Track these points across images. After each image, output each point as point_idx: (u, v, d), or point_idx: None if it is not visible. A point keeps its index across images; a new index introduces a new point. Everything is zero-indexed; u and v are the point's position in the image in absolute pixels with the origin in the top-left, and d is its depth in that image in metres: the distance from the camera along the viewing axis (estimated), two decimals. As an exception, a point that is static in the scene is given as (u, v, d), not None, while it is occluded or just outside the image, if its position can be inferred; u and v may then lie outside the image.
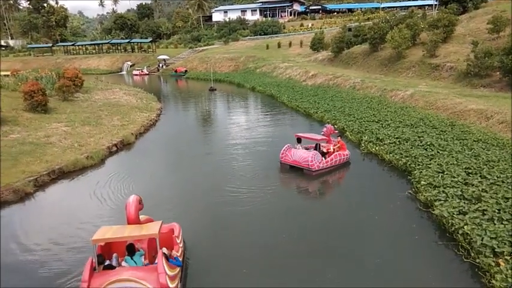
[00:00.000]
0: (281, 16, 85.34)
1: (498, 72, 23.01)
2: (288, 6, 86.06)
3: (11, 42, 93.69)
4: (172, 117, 26.78)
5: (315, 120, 22.03)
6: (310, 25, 73.29)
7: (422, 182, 11.17)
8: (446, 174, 11.44)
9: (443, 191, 10.33)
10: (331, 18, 78.47)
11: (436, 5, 43.95)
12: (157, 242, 6.87)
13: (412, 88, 23.84)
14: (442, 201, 9.80)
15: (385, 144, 15.23)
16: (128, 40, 77.23)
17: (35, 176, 12.60)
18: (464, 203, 9.53)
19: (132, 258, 7.01)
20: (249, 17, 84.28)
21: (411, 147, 14.30)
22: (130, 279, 6.32)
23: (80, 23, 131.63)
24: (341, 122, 19.27)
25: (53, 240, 9.17)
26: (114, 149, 16.79)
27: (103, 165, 14.98)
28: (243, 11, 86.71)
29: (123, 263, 6.96)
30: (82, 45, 79.26)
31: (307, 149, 14.37)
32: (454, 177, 11.14)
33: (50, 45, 79.48)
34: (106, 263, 6.83)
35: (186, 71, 55.02)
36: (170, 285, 6.46)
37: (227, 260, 8.31)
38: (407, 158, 13.35)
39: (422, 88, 23.86)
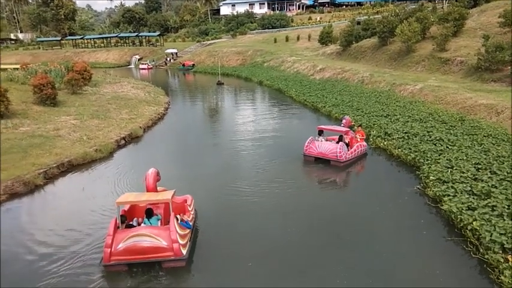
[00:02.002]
0: (289, 9, 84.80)
1: (509, 67, 22.66)
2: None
3: (21, 36, 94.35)
4: (180, 111, 26.83)
5: (323, 115, 21.96)
6: (318, 18, 72.76)
7: (431, 177, 11.10)
8: (456, 169, 11.36)
9: (452, 187, 10.27)
10: (339, 11, 77.78)
11: (446, -2, 43.37)
12: (170, 206, 8.05)
13: (422, 82, 23.61)
14: (451, 197, 9.75)
15: (393, 139, 15.13)
16: (136, 34, 77.36)
17: (44, 168, 12.72)
18: (474, 198, 9.47)
19: (149, 220, 8.20)
20: (257, 10, 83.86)
21: (420, 142, 14.20)
22: (147, 234, 7.59)
23: (89, 16, 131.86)
24: (349, 117, 19.11)
25: (72, 223, 9.50)
26: (123, 142, 16.88)
27: (112, 158, 15.08)
28: (251, 4, 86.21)
29: (142, 224, 8.19)
30: (90, 38, 79.51)
31: (327, 141, 14.48)
32: (463, 172, 11.06)
33: (59, 38, 79.85)
34: (128, 223, 8.18)
35: (193, 64, 55.00)
36: (180, 242, 7.67)
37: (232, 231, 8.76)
38: (416, 153, 13.27)
39: (432, 82, 23.61)
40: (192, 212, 9.24)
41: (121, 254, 7.48)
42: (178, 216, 8.20)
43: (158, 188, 8.85)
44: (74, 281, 7.38)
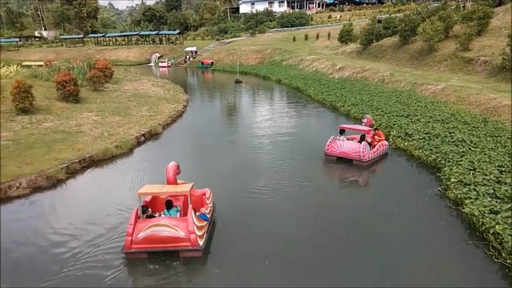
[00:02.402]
0: (309, 8, 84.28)
1: (536, 67, 22.01)
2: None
3: (45, 33, 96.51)
4: (198, 108, 27.04)
5: (342, 114, 21.78)
6: (338, 17, 72.15)
7: (452, 179, 10.89)
8: (478, 171, 11.11)
9: (474, 189, 10.04)
10: (360, 9, 76.91)
11: (470, -4, 42.36)
12: (189, 198, 8.51)
13: (444, 82, 23.15)
14: (473, 200, 9.54)
15: (414, 139, 14.89)
16: (156, 32, 78.15)
17: (67, 163, 13.01)
18: (496, 201, 9.25)
19: (168, 212, 8.65)
20: (276, 8, 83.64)
21: (441, 143, 13.94)
22: (166, 224, 7.97)
23: (110, 14, 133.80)
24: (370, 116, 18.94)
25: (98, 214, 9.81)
26: (142, 138, 17.12)
27: (131, 154, 15.31)
28: (270, 2, 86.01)
29: (162, 215, 8.60)
30: (112, 36, 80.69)
31: (348, 140, 14.42)
32: (486, 175, 10.81)
33: (82, 36, 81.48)
34: (148, 214, 8.61)
35: (212, 63, 55.26)
36: (197, 233, 8.01)
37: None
38: (437, 154, 13.02)
39: (455, 82, 23.12)
40: (210, 205, 9.54)
41: (141, 242, 7.89)
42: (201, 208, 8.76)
43: (178, 181, 9.24)
44: (96, 267, 7.72)
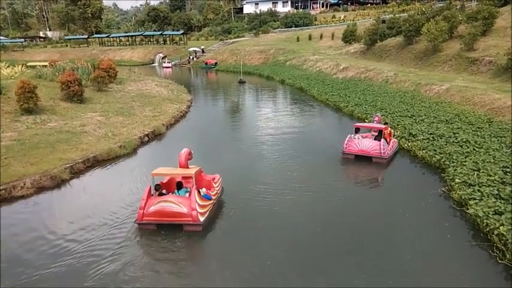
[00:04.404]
0: (313, 8, 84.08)
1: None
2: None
3: (49, 34, 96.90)
4: (202, 109, 27.05)
5: (345, 114, 21.74)
6: (342, 17, 71.92)
7: (456, 179, 10.85)
8: (482, 172, 11.06)
9: (478, 190, 10.01)
10: (364, 9, 76.60)
11: (475, -4, 42.12)
12: (193, 180, 9.67)
13: (448, 83, 23.05)
14: (477, 200, 9.51)
15: (418, 140, 14.84)
16: (160, 32, 78.26)
17: (71, 163, 13.06)
18: (501, 202, 9.20)
19: (178, 192, 9.84)
20: (280, 8, 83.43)
21: (446, 144, 13.88)
22: (172, 201, 9.22)
23: (115, 15, 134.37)
24: (372, 117, 18.88)
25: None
26: (146, 139, 17.17)
27: (135, 154, 15.37)
28: (274, 2, 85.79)
29: (173, 194, 9.78)
30: (116, 37, 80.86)
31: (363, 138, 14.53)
32: (490, 175, 10.76)
33: (86, 36, 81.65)
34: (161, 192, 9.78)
35: (216, 63, 55.28)
36: (199, 210, 9.13)
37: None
38: (441, 155, 12.98)
39: (459, 83, 23.01)
40: (217, 188, 10.67)
41: (151, 215, 9.14)
42: (201, 189, 9.89)
43: (190, 166, 10.34)
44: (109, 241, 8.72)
